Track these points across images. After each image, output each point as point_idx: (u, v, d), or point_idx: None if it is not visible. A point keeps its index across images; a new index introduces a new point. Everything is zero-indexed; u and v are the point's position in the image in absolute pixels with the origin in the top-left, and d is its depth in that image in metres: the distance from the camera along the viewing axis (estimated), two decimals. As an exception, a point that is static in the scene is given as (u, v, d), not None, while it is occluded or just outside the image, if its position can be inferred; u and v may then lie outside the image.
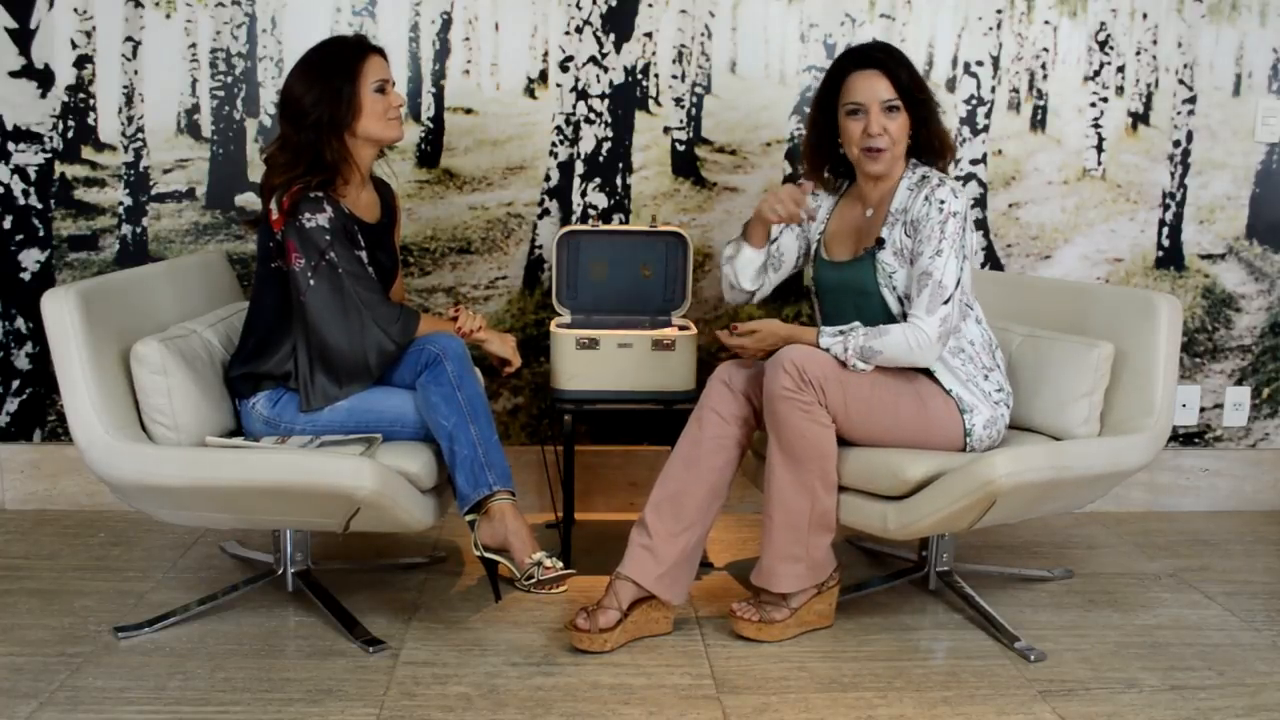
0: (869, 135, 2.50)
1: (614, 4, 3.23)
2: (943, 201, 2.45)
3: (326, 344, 2.53)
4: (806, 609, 2.53)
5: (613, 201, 3.31)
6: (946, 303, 2.44)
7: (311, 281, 2.50)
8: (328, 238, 2.50)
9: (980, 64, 3.33)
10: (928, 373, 2.53)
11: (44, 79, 3.18)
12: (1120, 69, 3.37)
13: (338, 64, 2.56)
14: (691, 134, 3.31)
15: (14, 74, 3.17)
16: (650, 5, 3.23)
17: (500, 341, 2.74)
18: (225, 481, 2.34)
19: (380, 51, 2.63)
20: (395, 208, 2.81)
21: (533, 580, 2.49)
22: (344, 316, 2.51)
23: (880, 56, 2.52)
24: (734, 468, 2.59)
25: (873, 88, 2.50)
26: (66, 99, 3.20)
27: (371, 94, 2.57)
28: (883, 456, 2.47)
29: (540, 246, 3.32)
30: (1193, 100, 3.39)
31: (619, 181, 3.31)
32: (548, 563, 2.50)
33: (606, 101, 3.27)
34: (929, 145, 2.57)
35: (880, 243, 2.54)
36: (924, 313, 2.45)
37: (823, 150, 2.65)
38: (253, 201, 3.23)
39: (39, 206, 3.24)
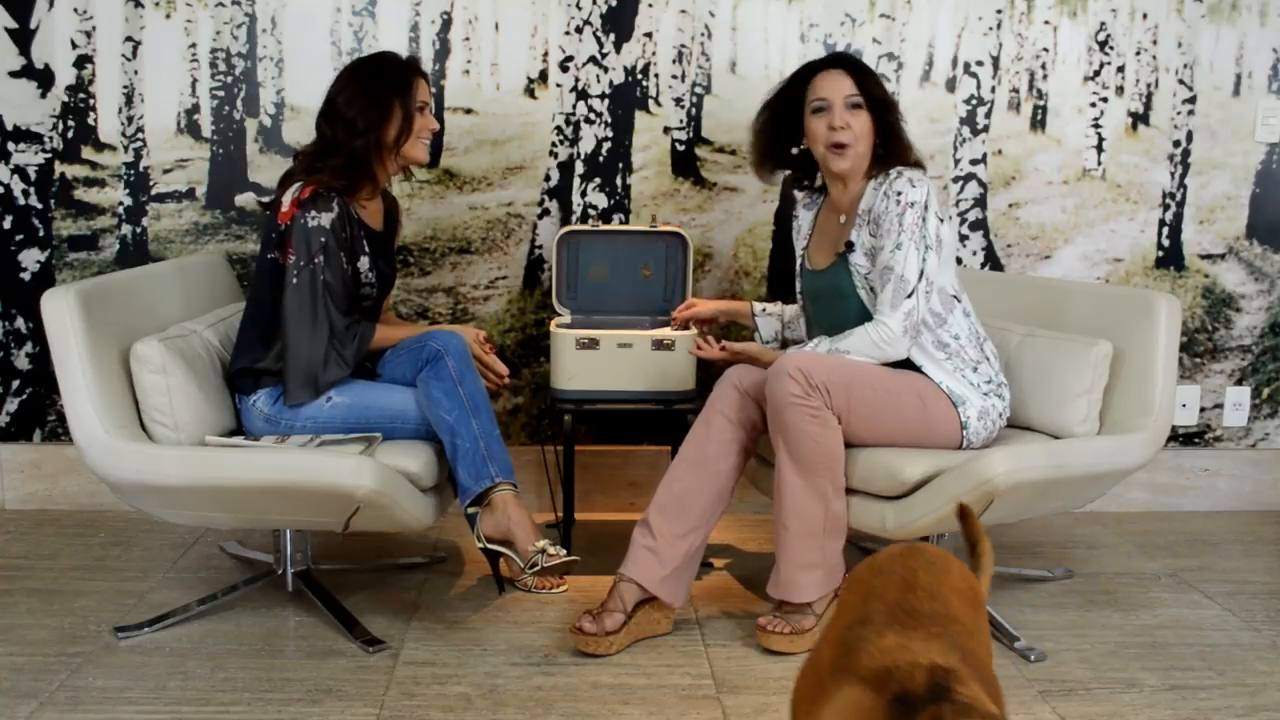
0: (832, 130, 2.54)
1: (614, 4, 3.23)
2: (899, 193, 2.47)
3: (289, 344, 2.55)
4: (827, 614, 2.53)
5: (613, 201, 3.32)
6: (910, 296, 2.46)
7: (295, 280, 2.53)
8: (323, 240, 2.53)
9: (980, 64, 3.33)
10: (919, 369, 2.53)
11: (44, 79, 3.18)
12: (1120, 69, 3.37)
13: (396, 82, 2.62)
14: (691, 134, 3.31)
15: (14, 74, 3.17)
16: (650, 5, 3.23)
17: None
18: (226, 481, 2.34)
19: (426, 75, 2.71)
20: (397, 218, 2.84)
21: (536, 569, 2.53)
22: (311, 325, 2.54)
23: (845, 58, 2.62)
24: (739, 471, 2.59)
25: (838, 85, 2.56)
26: (66, 99, 3.20)
27: (417, 115, 2.64)
28: (881, 457, 2.47)
29: (540, 246, 3.32)
30: (1193, 100, 3.39)
31: (619, 181, 3.31)
32: (551, 550, 2.54)
33: (606, 101, 3.27)
34: (894, 157, 2.57)
35: (850, 246, 2.56)
36: (888, 308, 2.47)
37: (774, 152, 2.70)
38: (252, 201, 3.23)
39: (39, 206, 3.24)
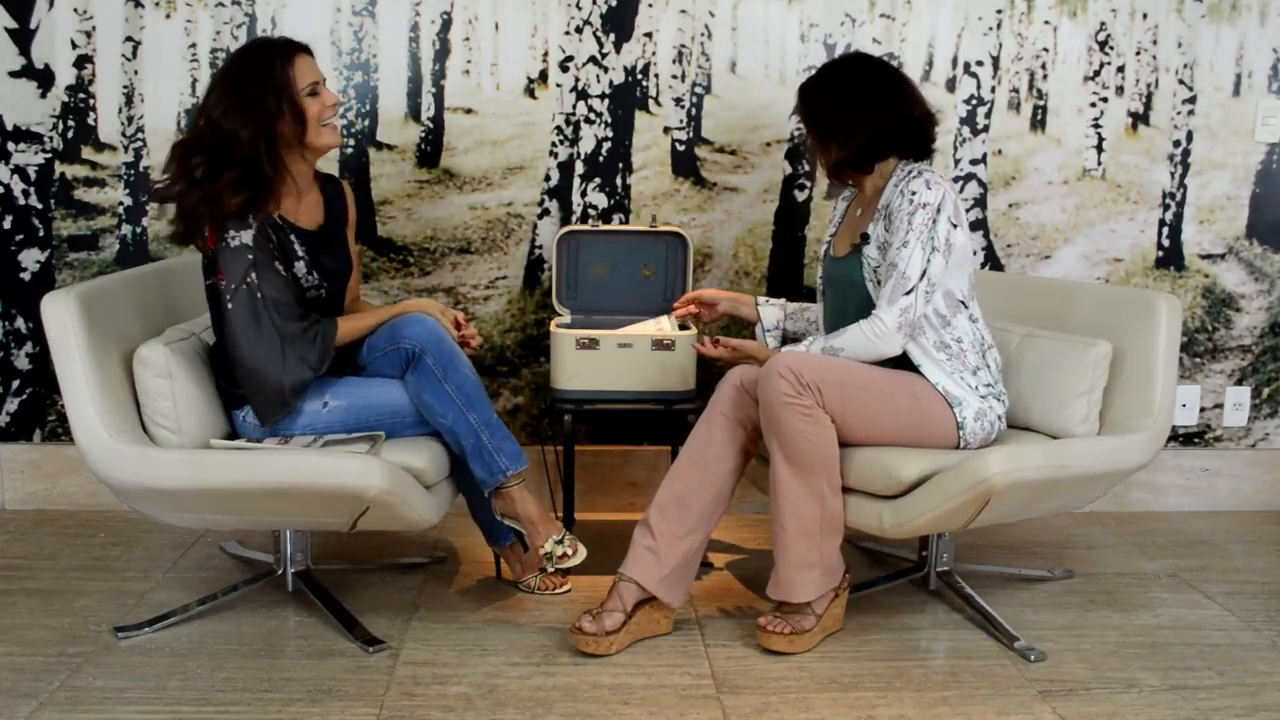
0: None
1: (614, 4, 3.23)
2: (914, 193, 2.48)
3: (243, 367, 2.46)
4: (826, 614, 2.53)
5: (613, 201, 3.32)
6: (909, 294, 2.47)
7: (230, 304, 2.44)
8: (250, 258, 2.43)
9: (980, 64, 3.33)
10: (916, 369, 2.54)
11: (44, 79, 3.18)
12: (1120, 69, 3.37)
13: (270, 75, 2.44)
14: (691, 134, 3.31)
15: (14, 74, 3.17)
16: (650, 5, 3.23)
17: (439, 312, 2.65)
18: (232, 484, 2.34)
19: (306, 49, 2.52)
20: (347, 206, 2.71)
21: (549, 567, 2.61)
22: (258, 342, 2.45)
23: (801, 86, 2.66)
24: (740, 472, 2.60)
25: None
26: (66, 99, 3.20)
27: (306, 101, 2.48)
28: (877, 456, 2.47)
29: (540, 246, 3.32)
30: (1193, 100, 3.39)
31: (619, 181, 3.31)
32: (558, 551, 2.57)
33: (606, 101, 3.27)
34: (900, 140, 2.57)
35: (865, 238, 2.57)
36: (885, 303, 2.49)
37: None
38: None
39: (39, 206, 3.24)
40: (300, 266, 2.55)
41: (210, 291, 2.51)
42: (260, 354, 2.45)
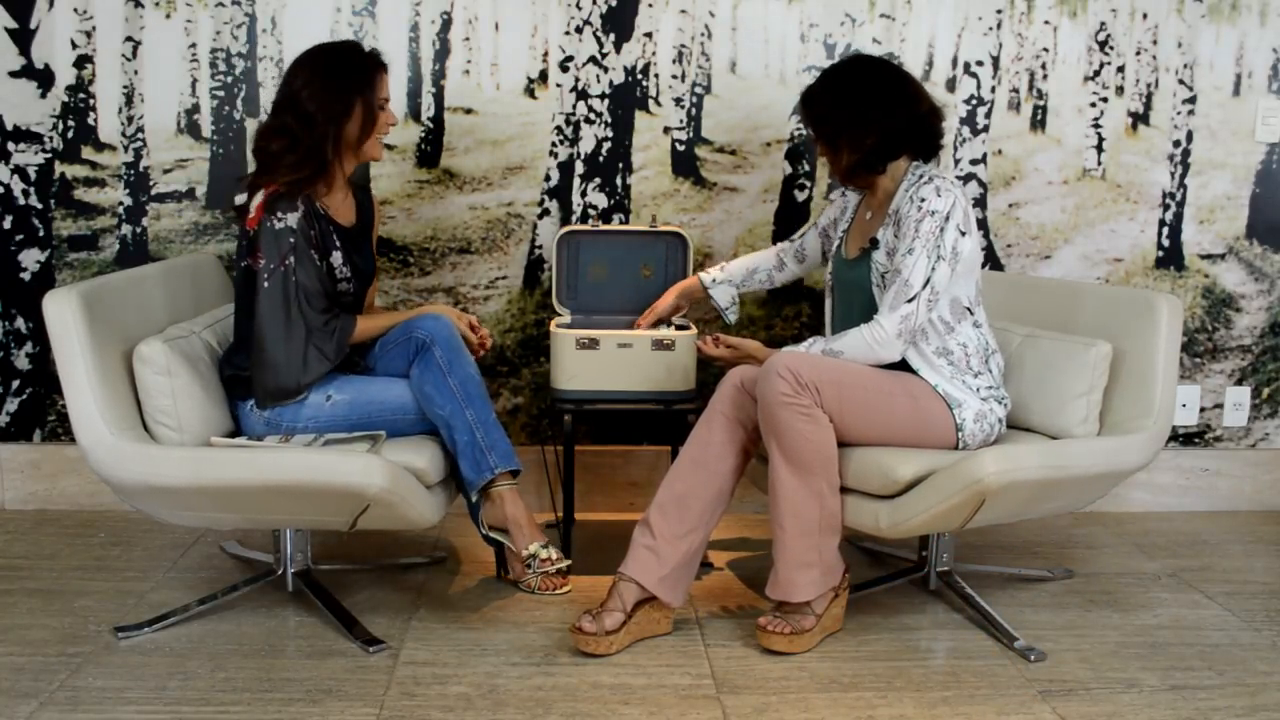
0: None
1: (614, 4, 3.23)
2: (923, 200, 2.48)
3: (264, 349, 2.51)
4: (826, 614, 2.53)
5: (613, 201, 3.32)
6: (910, 301, 2.47)
7: (266, 284, 2.49)
8: (291, 241, 2.49)
9: (980, 64, 3.33)
10: (915, 371, 2.54)
11: (44, 79, 3.18)
12: (1120, 69, 3.37)
13: (357, 77, 2.56)
14: (691, 134, 3.31)
15: (14, 74, 3.17)
16: (650, 5, 3.23)
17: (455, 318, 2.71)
18: (233, 482, 2.34)
19: (387, 69, 2.65)
20: (372, 212, 2.81)
21: (531, 571, 2.62)
22: (285, 327, 2.50)
23: (805, 92, 2.66)
24: (740, 472, 2.60)
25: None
26: (66, 99, 3.20)
27: (380, 113, 2.61)
28: (874, 456, 2.47)
29: (540, 246, 3.32)
30: (1193, 100, 3.39)
31: (619, 181, 3.31)
32: (543, 554, 2.61)
33: (606, 101, 3.27)
34: (909, 137, 2.58)
35: (875, 243, 2.57)
36: (887, 309, 2.49)
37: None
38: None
39: (39, 206, 3.24)
40: (337, 257, 2.61)
41: (244, 273, 2.55)
42: (285, 339, 2.50)
